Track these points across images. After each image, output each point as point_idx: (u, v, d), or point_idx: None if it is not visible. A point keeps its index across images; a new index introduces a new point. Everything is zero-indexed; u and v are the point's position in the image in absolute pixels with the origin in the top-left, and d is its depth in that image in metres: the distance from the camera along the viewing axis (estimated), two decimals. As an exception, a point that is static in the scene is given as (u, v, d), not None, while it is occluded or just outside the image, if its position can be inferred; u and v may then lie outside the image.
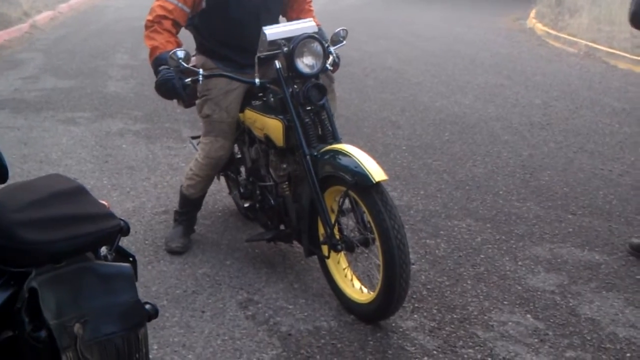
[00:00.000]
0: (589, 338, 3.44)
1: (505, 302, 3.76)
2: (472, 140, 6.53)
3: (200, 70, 3.57)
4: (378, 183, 3.22)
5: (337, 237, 3.51)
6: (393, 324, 3.51)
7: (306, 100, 3.50)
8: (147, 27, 3.81)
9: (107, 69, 9.51)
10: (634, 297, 3.82)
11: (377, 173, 3.21)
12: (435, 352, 3.31)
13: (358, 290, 3.59)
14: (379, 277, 3.34)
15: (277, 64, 3.58)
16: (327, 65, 3.65)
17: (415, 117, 7.27)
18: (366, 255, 3.56)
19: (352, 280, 3.64)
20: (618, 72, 9.64)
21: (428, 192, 5.26)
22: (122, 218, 2.30)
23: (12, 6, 12.76)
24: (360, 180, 3.21)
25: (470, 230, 4.61)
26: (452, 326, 3.52)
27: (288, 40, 3.53)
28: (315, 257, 3.80)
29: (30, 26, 12.25)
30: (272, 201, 3.96)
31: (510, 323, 3.56)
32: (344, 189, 3.38)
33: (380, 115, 7.34)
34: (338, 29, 3.81)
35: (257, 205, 4.14)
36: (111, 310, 2.06)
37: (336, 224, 3.52)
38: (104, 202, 2.26)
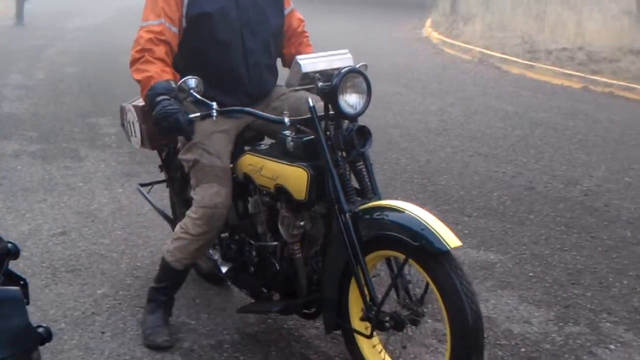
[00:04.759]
0: (484, 336, 3.54)
1: (405, 305, 3.83)
2: (371, 148, 6.60)
3: (214, 104, 2.89)
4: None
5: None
6: (295, 333, 3.54)
7: (348, 146, 2.95)
8: (134, 60, 3.11)
9: (1, 89, 9.25)
10: (528, 294, 3.97)
11: (450, 238, 2.60)
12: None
13: None
14: None
15: (311, 101, 2.95)
16: None
17: (316, 128, 7.32)
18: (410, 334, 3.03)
19: None
20: (511, 77, 10.00)
21: (329, 201, 5.32)
22: (13, 241, 2.26)
23: None
24: (428, 245, 2.59)
25: (370, 237, 4.68)
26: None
27: (322, 73, 2.94)
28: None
29: None
30: (276, 265, 3.26)
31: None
32: (397, 254, 2.79)
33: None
34: (359, 64, 3.12)
35: (252, 268, 3.43)
36: (0, 335, 2.03)
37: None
38: (-11, 226, 2.21)
